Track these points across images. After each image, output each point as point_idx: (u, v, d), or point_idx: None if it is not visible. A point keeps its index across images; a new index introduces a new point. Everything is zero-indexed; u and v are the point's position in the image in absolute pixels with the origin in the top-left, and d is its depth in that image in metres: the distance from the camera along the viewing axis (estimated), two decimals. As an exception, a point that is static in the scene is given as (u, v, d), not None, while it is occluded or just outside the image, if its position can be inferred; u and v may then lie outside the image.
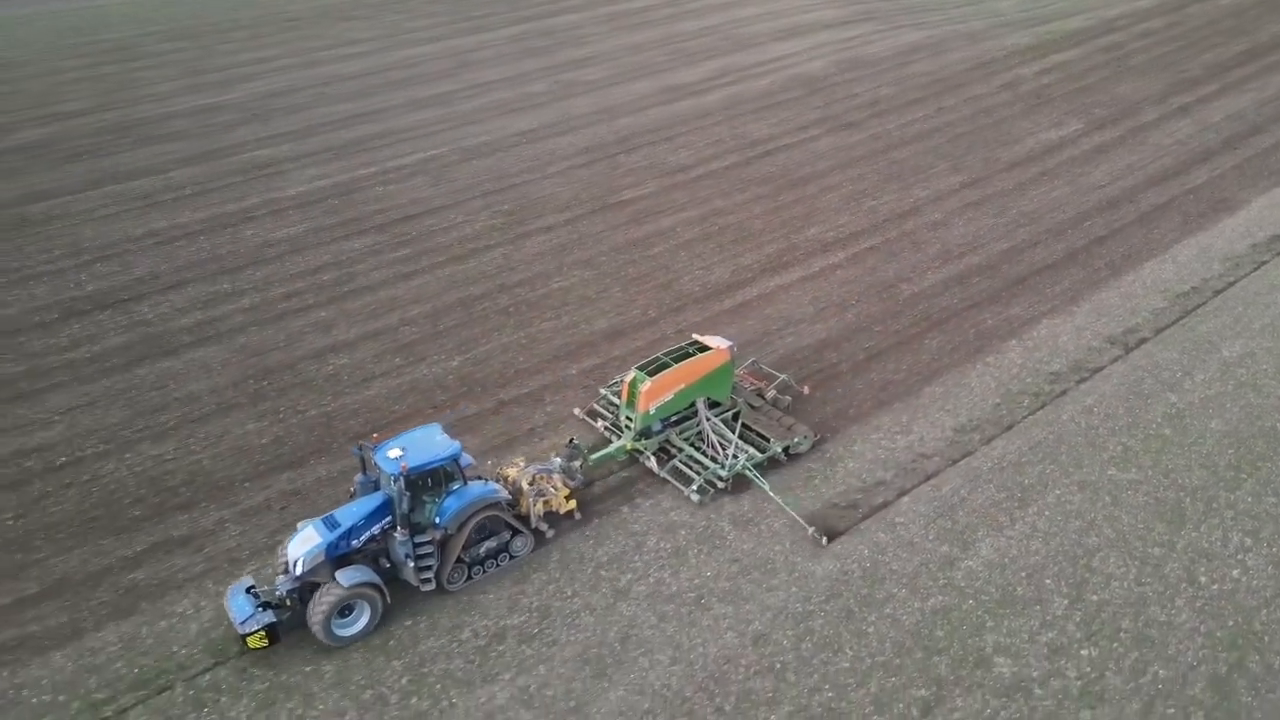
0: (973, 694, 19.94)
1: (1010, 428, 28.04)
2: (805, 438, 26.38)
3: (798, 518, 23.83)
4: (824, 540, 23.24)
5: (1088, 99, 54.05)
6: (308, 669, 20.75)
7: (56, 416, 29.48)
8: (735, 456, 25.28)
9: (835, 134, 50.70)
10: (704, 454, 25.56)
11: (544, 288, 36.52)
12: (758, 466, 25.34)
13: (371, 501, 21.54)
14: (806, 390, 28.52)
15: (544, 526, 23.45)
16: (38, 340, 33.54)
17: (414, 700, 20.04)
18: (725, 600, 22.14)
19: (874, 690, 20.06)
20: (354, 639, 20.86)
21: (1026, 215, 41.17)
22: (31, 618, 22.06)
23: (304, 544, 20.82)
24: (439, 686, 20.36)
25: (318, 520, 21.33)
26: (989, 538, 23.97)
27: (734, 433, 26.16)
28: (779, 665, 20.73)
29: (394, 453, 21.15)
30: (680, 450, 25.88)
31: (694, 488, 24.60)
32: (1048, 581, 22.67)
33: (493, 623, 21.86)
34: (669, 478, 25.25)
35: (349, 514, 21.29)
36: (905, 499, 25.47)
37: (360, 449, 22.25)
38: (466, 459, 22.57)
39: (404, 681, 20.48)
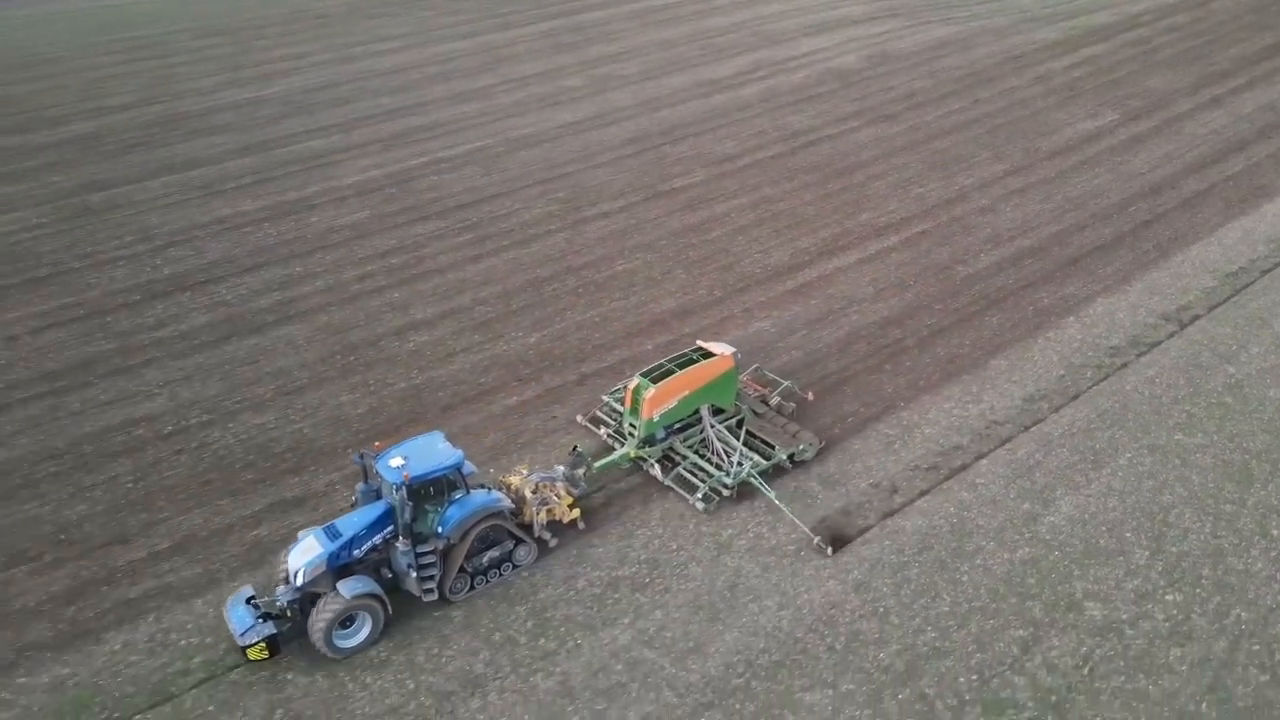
0: (1067, 634, 21.48)
1: (1076, 397, 29.62)
2: (810, 445, 26.21)
3: (804, 527, 23.88)
4: (829, 550, 23.24)
5: (1120, 91, 55.80)
6: (437, 614, 22.27)
7: (157, 389, 30.95)
8: (740, 464, 25.08)
9: (874, 125, 52.33)
10: (709, 461, 25.40)
11: (608, 270, 38.04)
12: (763, 474, 25.20)
13: (373, 511, 21.26)
14: (810, 396, 28.36)
15: (547, 535, 23.25)
16: (125, 320, 35.00)
17: (541, 641, 21.55)
18: (822, 552, 23.64)
19: (974, 631, 21.60)
20: (355, 651, 20.59)
21: (1072, 201, 42.82)
22: (168, 570, 23.54)
23: (305, 554, 20.54)
24: (563, 629, 21.87)
25: (318, 529, 21.12)
26: (1068, 496, 25.54)
27: (738, 440, 25.96)
28: (882, 610, 22.26)
29: (396, 461, 20.84)
30: (684, 458, 25.65)
31: (699, 496, 24.45)
32: (1128, 535, 24.23)
33: (605, 573, 23.37)
34: (673, 486, 25.07)
35: (350, 523, 21.03)
36: (983, 462, 27.04)
37: (362, 457, 21.91)
38: (469, 468, 22.25)
39: (529, 625, 21.99)
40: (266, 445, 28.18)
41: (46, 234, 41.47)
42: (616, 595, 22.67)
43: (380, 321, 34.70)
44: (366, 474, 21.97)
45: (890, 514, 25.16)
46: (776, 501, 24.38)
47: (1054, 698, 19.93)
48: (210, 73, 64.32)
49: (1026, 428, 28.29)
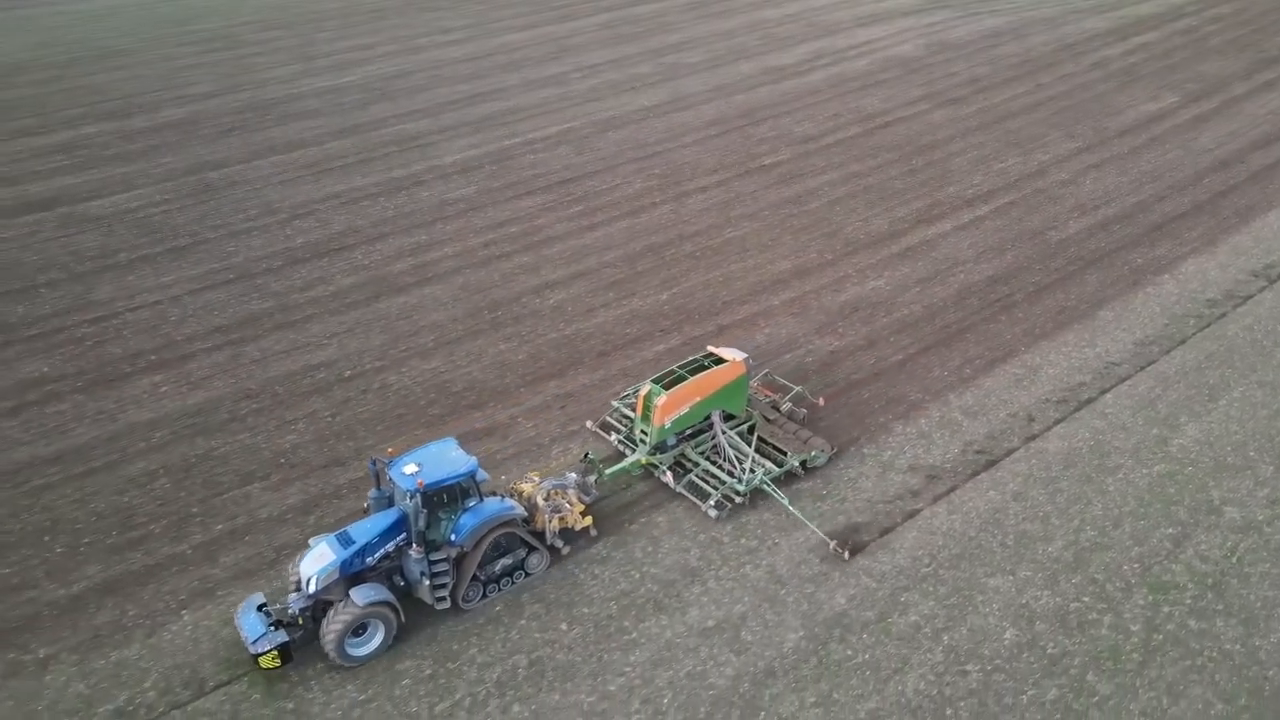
0: (1212, 532, 24.72)
1: (1183, 342, 32.93)
2: (822, 451, 26.36)
3: (819, 532, 24.26)
4: (846, 555, 23.50)
5: (1176, 76, 59.37)
6: (643, 519, 25.44)
7: (325, 340, 34.09)
8: (752, 471, 25.24)
9: (944, 108, 55.76)
10: (720, 468, 25.56)
11: (719, 237, 41.30)
12: (775, 481, 25.48)
13: (386, 518, 21.29)
14: (822, 402, 28.55)
15: (559, 543, 23.33)
16: (275, 282, 38.14)
17: (742, 540, 24.73)
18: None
19: (1128, 530, 24.84)
20: (368, 659, 20.68)
21: (1147, 174, 46.24)
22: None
23: (317, 561, 20.55)
24: (760, 532, 25.05)
25: (330, 536, 21.19)
26: (1191, 423, 28.83)
27: (750, 446, 26.17)
28: (1042, 514, 25.50)
29: (410, 468, 20.91)
30: (696, 465, 25.84)
31: (711, 503, 24.67)
32: (1251, 454, 27.50)
33: (789, 490, 26.52)
34: (685, 492, 25.25)
35: (363, 530, 21.08)
36: (1108, 395, 30.32)
37: (375, 463, 22.05)
38: (482, 475, 22.25)
39: (729, 528, 25.18)
40: (443, 385, 31.29)
41: (175, 209, 44.54)
42: (801, 504, 25.76)
43: (515, 282, 37.83)
44: (379, 480, 22.04)
45: (1032, 438, 28.38)
46: (790, 508, 24.70)
47: (1210, 580, 23.12)
48: (283, 63, 67.49)
49: (1142, 368, 31.53)
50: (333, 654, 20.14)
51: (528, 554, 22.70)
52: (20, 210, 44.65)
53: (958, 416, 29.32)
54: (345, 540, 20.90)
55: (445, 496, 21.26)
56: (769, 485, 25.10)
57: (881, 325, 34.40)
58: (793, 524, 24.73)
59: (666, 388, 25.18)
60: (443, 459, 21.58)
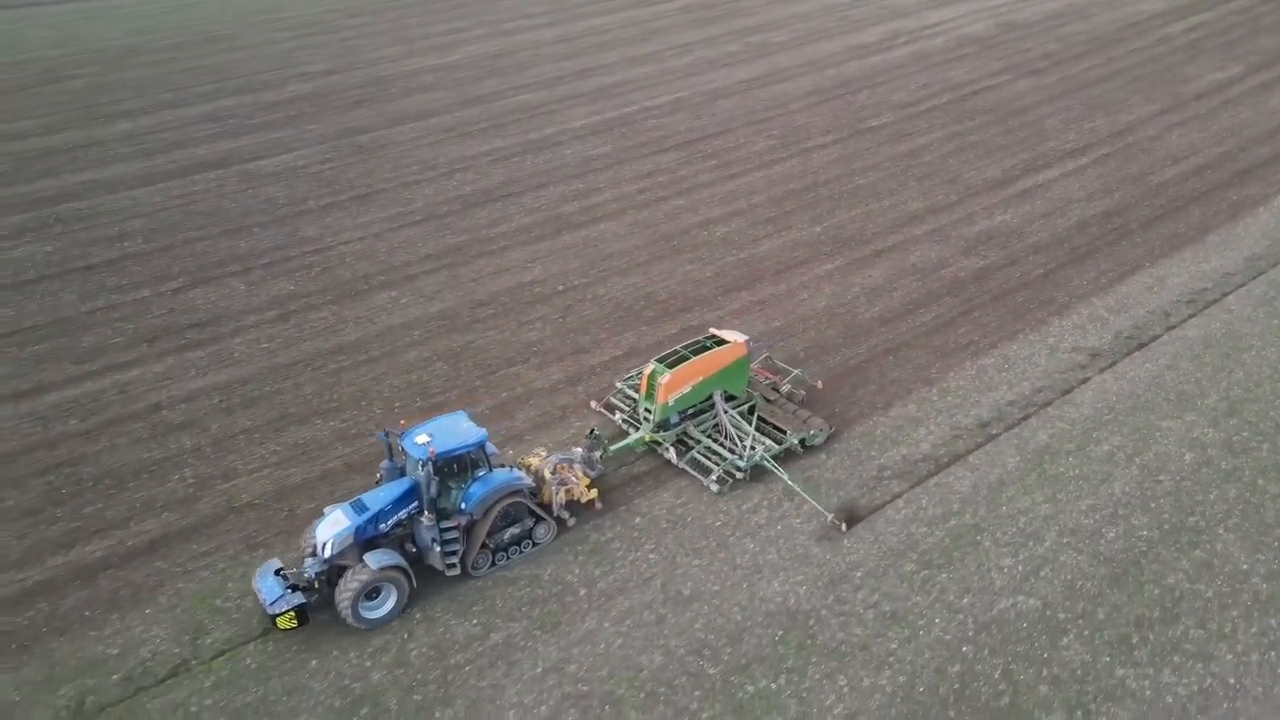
0: (1338, 390, 30.96)
1: (1288, 260, 39.27)
2: (820, 430, 27.73)
3: (818, 506, 25.46)
4: (844, 527, 24.73)
5: (1238, 50, 66.07)
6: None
7: (527, 264, 40.18)
8: (753, 448, 26.59)
9: (1026, 78, 62.30)
10: (722, 446, 26.96)
11: (850, 184, 47.59)
12: (775, 458, 26.75)
13: (399, 487, 22.59)
14: (820, 385, 29.88)
15: (566, 515, 24.68)
16: (460, 222, 44.26)
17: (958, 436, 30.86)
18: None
19: (1269, 388, 30.97)
20: (381, 622, 21.96)
21: (1226, 130, 52.76)
22: (633, 365, 32.70)
23: (333, 527, 21.97)
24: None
25: (345, 504, 22.59)
26: (1306, 316, 35.10)
27: (751, 425, 27.64)
28: (1194, 379, 31.62)
29: (422, 439, 22.24)
30: (698, 442, 27.19)
31: (713, 478, 25.91)
32: (1361, 336, 33.76)
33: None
34: (687, 468, 26.62)
35: (377, 499, 22.36)
36: (1229, 298, 36.59)
37: (387, 435, 23.40)
38: (491, 448, 23.50)
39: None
40: (649, 295, 37.44)
41: (340, 166, 50.67)
42: (981, 373, 31.93)
43: (679, 220, 44.03)
44: (391, 451, 23.40)
45: (1171, 328, 34.62)
46: (791, 483, 26.02)
47: (1346, 422, 29.33)
48: (384, 45, 73.82)
49: (1254, 276, 37.83)
50: (347, 616, 21.38)
51: (535, 524, 23.93)
52: (197, 169, 50.70)
53: (1104, 314, 35.54)
54: (359, 508, 22.26)
55: (456, 466, 22.61)
56: (769, 462, 26.46)
57: (1017, 249, 40.60)
58: (953, 405, 30.78)
59: (670, 367, 26.61)
60: (454, 430, 22.98)
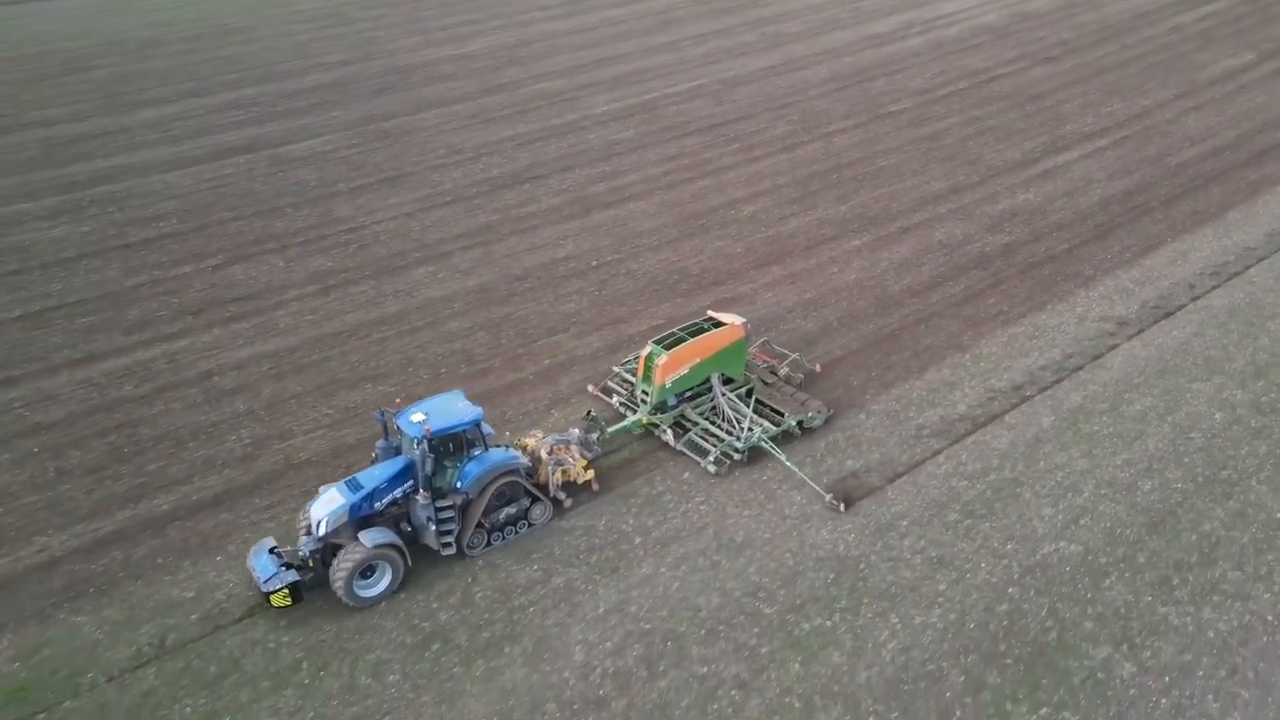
0: (1362, 355, 31.95)
1: (1310, 234, 40.30)
2: (819, 412, 27.76)
3: (816, 487, 25.50)
4: (841, 507, 24.78)
5: (1250, 38, 67.20)
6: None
7: (559, 241, 41.16)
8: (751, 429, 26.67)
9: (1041, 66, 63.38)
10: (719, 428, 27.06)
11: (872, 166, 48.62)
12: (773, 440, 26.81)
13: (394, 465, 22.54)
14: (818, 368, 30.25)
15: (562, 495, 24.66)
16: (489, 202, 45.26)
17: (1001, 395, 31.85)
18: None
19: (1294, 354, 32.04)
20: (375, 600, 21.91)
21: (1242, 114, 53.82)
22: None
23: (327, 505, 21.91)
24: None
25: (340, 483, 22.51)
26: (1329, 285, 36.11)
27: (748, 407, 27.66)
28: (1220, 345, 32.59)
29: (417, 417, 22.19)
30: (695, 424, 27.29)
31: (710, 459, 25.95)
32: (1382, 305, 34.77)
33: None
34: (685, 450, 26.65)
35: (372, 477, 22.34)
36: (1251, 270, 37.57)
37: (383, 414, 23.41)
38: (487, 429, 23.57)
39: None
40: (682, 270, 38.43)
41: (367, 150, 51.70)
42: (1012, 356, 32.93)
43: (706, 200, 45.03)
44: (387, 431, 23.38)
45: (1196, 298, 35.61)
46: (789, 464, 26.06)
47: (1369, 382, 30.32)
48: (401, 36, 74.94)
49: (1275, 251, 38.86)
50: (342, 594, 21.37)
51: (531, 504, 23.94)
52: (226, 154, 51.74)
53: (1129, 285, 36.56)
54: (354, 486, 22.21)
55: (451, 445, 22.61)
56: (767, 443, 26.47)
57: (1041, 226, 41.63)
58: (986, 370, 31.76)
59: (667, 348, 26.61)
60: (449, 409, 22.94)
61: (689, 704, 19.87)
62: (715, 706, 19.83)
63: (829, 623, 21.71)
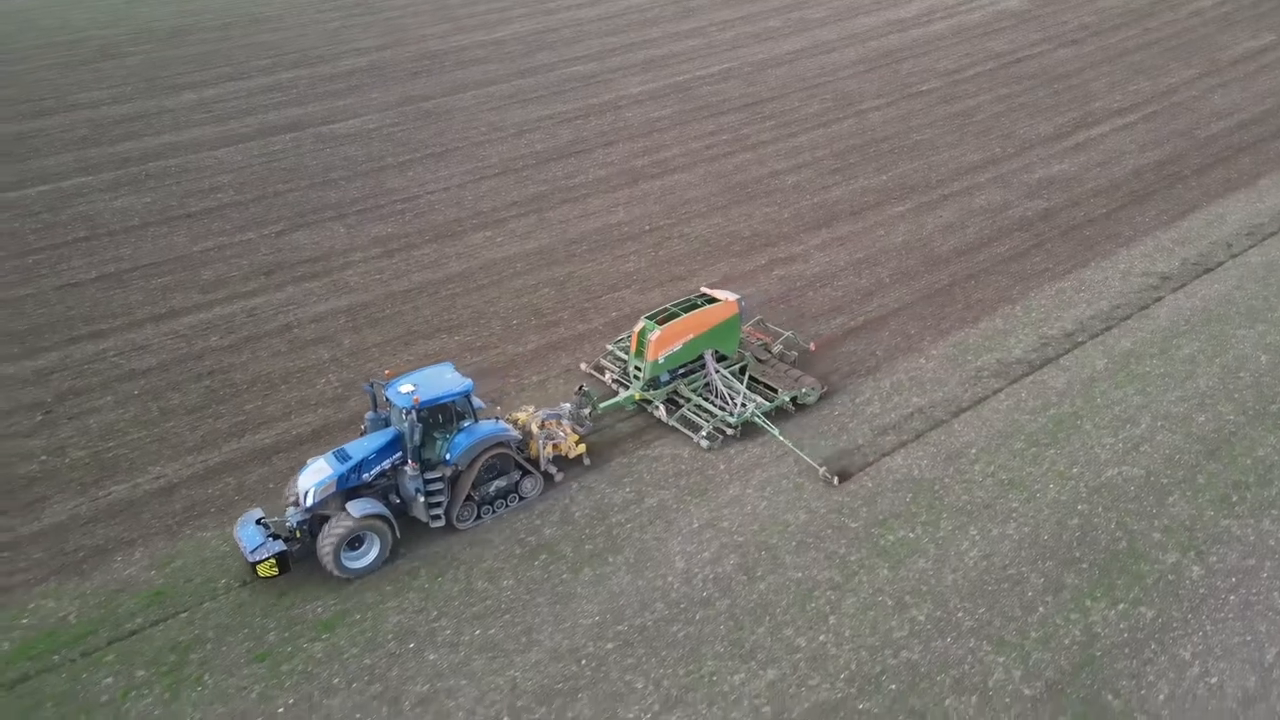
0: (1397, 305, 33.69)
1: (1341, 197, 42.03)
2: (813, 389, 27.82)
3: (810, 460, 25.41)
4: (835, 480, 24.72)
5: (1270, 20, 69.04)
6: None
7: (611, 209, 42.82)
8: (744, 405, 26.75)
9: (1065, 48, 65.19)
10: (712, 404, 27.16)
11: (908, 140, 50.36)
12: (766, 415, 26.83)
13: (383, 436, 22.48)
14: (813, 347, 30.05)
15: (553, 469, 24.70)
16: (537, 174, 46.94)
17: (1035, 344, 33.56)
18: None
19: (1332, 304, 33.78)
20: (364, 572, 21.86)
21: (1266, 91, 55.61)
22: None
23: (315, 475, 21.82)
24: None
25: (328, 454, 22.48)
26: (1361, 244, 37.86)
27: (742, 384, 27.69)
28: (1261, 296, 34.26)
29: (406, 388, 22.16)
30: (688, 400, 27.39)
31: (703, 434, 26.06)
32: None
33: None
34: (678, 425, 26.71)
35: (360, 448, 22.28)
36: (1283, 233, 39.32)
37: (371, 385, 23.46)
38: (477, 402, 23.54)
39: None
40: (733, 233, 40.10)
41: (410, 128, 53.39)
42: (1062, 294, 34.63)
43: (748, 171, 46.75)
44: (376, 403, 23.48)
45: (1235, 255, 37.29)
46: (782, 439, 26.07)
47: (1406, 328, 32.03)
48: (430, 24, 76.69)
49: (1320, 210, 40.55)
50: (329, 565, 21.30)
51: (522, 477, 23.87)
52: (271, 132, 53.43)
53: (1168, 245, 38.29)
54: (342, 456, 22.14)
55: (441, 416, 22.60)
56: (760, 418, 26.47)
57: (1077, 193, 43.34)
58: (1038, 319, 33.43)
59: (660, 324, 26.65)
60: (439, 380, 22.92)
61: (788, 603, 21.49)
62: (813, 605, 21.43)
63: (911, 534, 23.35)
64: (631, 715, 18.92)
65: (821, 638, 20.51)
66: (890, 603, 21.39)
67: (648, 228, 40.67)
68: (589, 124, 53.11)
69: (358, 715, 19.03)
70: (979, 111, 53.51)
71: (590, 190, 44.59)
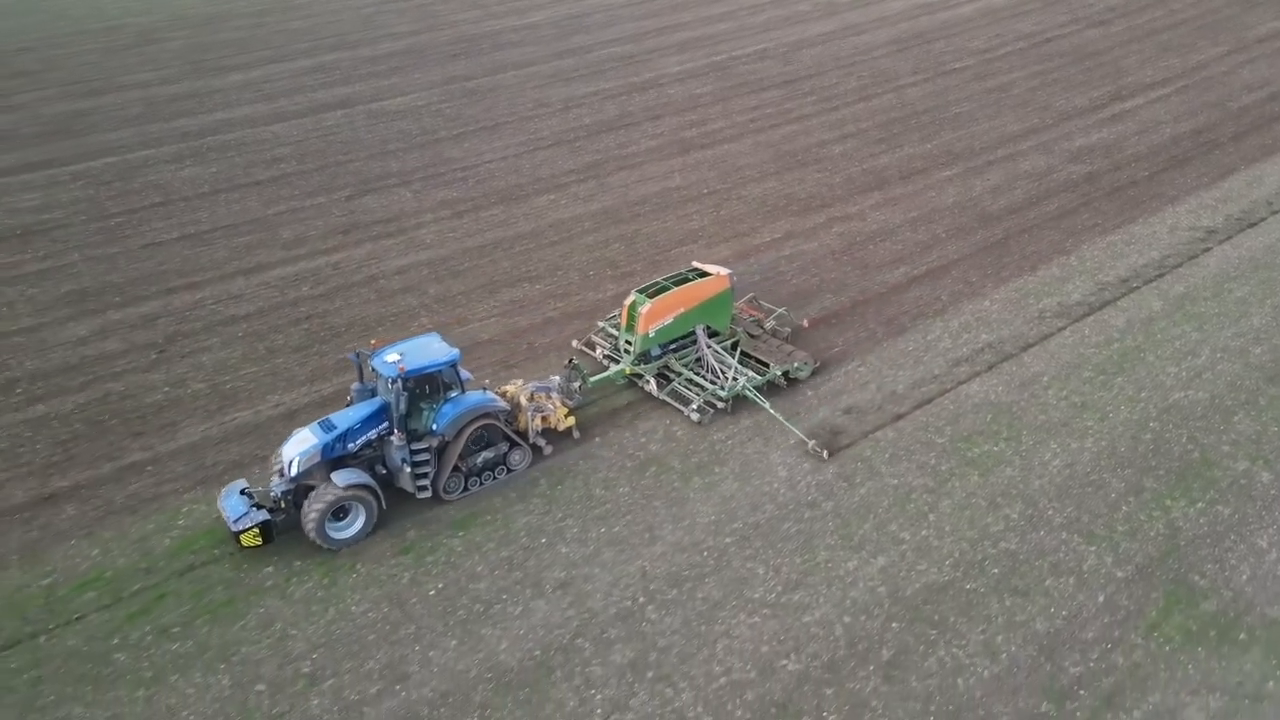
0: None
1: (1370, 161, 44.11)
2: (805, 364, 27.90)
3: (799, 434, 25.61)
4: (825, 454, 24.72)
5: (1293, 2, 71.24)
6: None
7: (667, 175, 44.83)
8: (735, 379, 26.77)
9: (1093, 28, 67.36)
10: (703, 378, 27.11)
11: (948, 113, 52.43)
12: (758, 389, 26.95)
13: (368, 406, 22.44)
14: (806, 324, 30.30)
15: (542, 442, 24.66)
16: (589, 145, 48.96)
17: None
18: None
19: (1373, 254, 35.83)
20: (349, 543, 21.79)
21: (1295, 66, 57.79)
22: (794, 251, 37.42)
23: (299, 445, 21.77)
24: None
25: (313, 424, 22.46)
26: (1397, 201, 39.91)
27: (733, 358, 27.73)
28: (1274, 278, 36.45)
29: (392, 357, 22.09)
30: (679, 374, 27.47)
31: (693, 407, 26.11)
32: None
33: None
34: (668, 399, 26.85)
35: (345, 418, 22.22)
36: (1324, 190, 41.38)
37: (358, 355, 23.40)
38: (465, 373, 23.57)
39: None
40: (790, 195, 42.14)
41: (458, 105, 55.43)
42: (1112, 247, 36.70)
43: (796, 141, 48.80)
44: (362, 373, 23.47)
45: (1276, 212, 39.33)
46: (773, 412, 26.22)
47: None
48: (461, 9, 78.83)
49: (1343, 175, 42.61)
50: (314, 535, 21.28)
51: (510, 449, 23.85)
52: (322, 109, 55.46)
53: (1211, 203, 40.34)
54: (327, 426, 22.12)
55: (427, 386, 22.53)
56: (752, 392, 26.58)
57: (1118, 158, 45.41)
58: (1093, 268, 35.43)
59: (651, 297, 26.73)
60: (425, 349, 22.87)
61: (889, 504, 23.49)
62: (911, 506, 23.42)
63: (996, 448, 25.35)
64: (757, 595, 20.83)
65: (924, 532, 22.45)
66: (984, 503, 23.35)
67: (705, 191, 42.69)
68: (633, 100, 55.15)
69: (504, 596, 20.95)
70: (1014, 86, 55.60)
71: (645, 158, 46.62)
